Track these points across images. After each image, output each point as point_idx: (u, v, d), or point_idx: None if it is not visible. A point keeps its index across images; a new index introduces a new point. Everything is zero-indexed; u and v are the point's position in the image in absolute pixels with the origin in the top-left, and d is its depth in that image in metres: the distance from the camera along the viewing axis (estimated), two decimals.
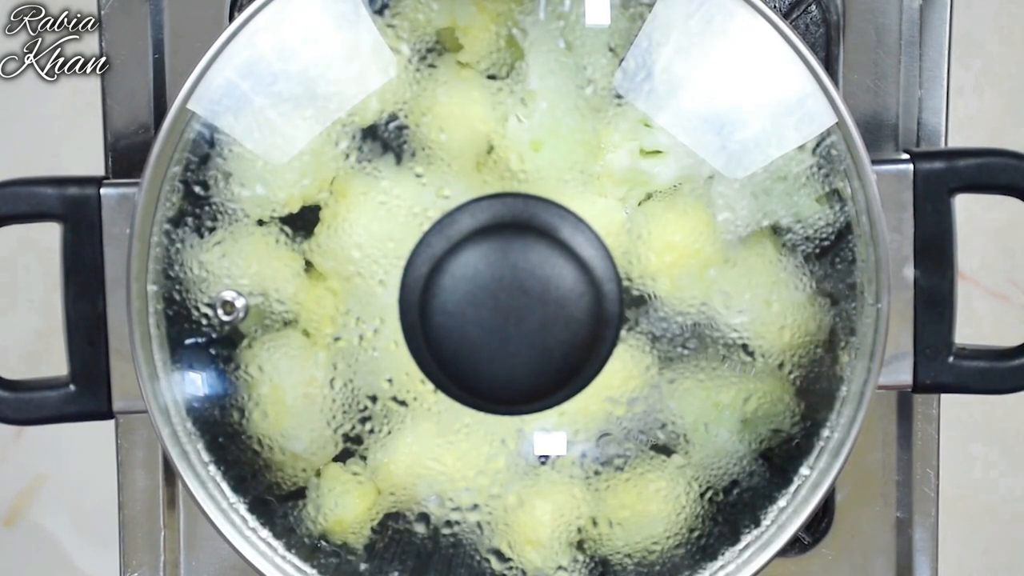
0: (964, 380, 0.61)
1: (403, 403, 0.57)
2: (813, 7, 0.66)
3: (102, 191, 0.59)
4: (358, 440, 0.58)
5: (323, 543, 0.59)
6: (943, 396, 0.65)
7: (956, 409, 0.98)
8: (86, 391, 0.60)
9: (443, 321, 0.44)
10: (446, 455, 0.58)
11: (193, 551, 0.66)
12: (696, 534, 0.59)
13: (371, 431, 0.58)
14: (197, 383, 0.58)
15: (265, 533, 0.59)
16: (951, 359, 0.60)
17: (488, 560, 0.58)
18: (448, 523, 0.58)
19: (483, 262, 0.49)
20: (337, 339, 0.57)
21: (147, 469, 0.65)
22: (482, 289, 0.49)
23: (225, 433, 0.58)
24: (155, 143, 0.57)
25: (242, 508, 0.59)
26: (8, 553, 1.02)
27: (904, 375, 0.61)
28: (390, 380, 0.57)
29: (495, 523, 0.58)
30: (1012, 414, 1.02)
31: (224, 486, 0.59)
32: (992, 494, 1.03)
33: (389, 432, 0.58)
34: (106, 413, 0.60)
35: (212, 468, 0.58)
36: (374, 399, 0.58)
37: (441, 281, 0.47)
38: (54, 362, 0.61)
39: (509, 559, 0.59)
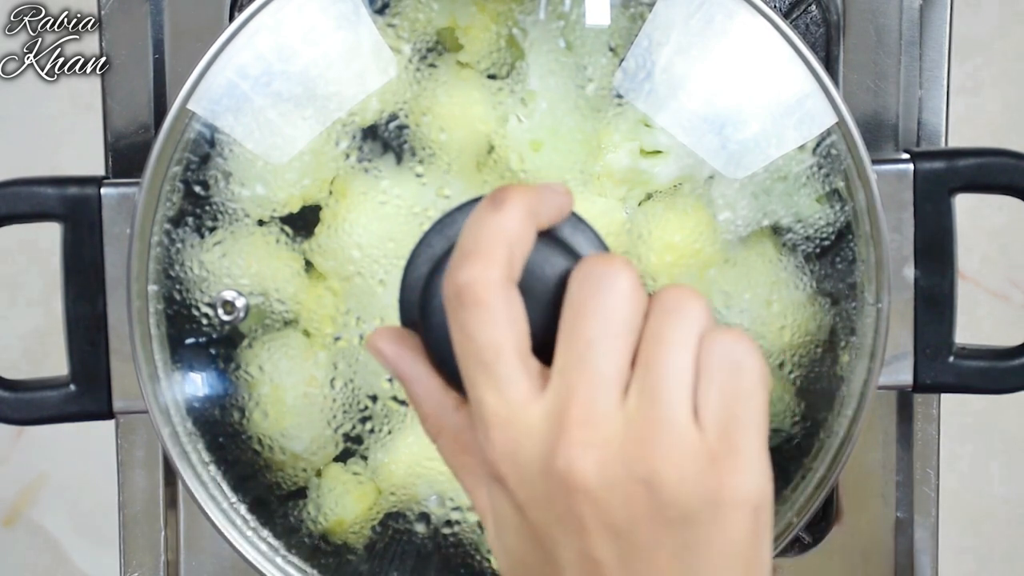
0: (964, 380, 0.61)
1: (403, 403, 0.57)
2: (813, 7, 0.66)
3: (102, 191, 0.59)
4: (358, 440, 0.58)
5: (323, 543, 0.59)
6: (943, 396, 0.65)
7: (956, 409, 0.98)
8: (86, 391, 0.60)
9: (443, 321, 0.44)
10: None
11: (193, 551, 0.66)
12: None
13: (371, 431, 0.58)
14: (197, 383, 0.58)
15: (265, 533, 0.59)
16: (951, 359, 0.60)
17: (488, 560, 0.58)
18: (448, 523, 0.58)
19: None
20: (337, 339, 0.57)
21: (147, 469, 0.65)
22: None
23: (225, 433, 0.58)
24: (155, 143, 0.57)
25: (242, 508, 0.59)
26: (8, 553, 1.02)
27: (904, 375, 0.61)
28: (390, 380, 0.57)
29: None
30: (1012, 414, 1.02)
31: (224, 486, 0.59)
32: (992, 494, 1.03)
33: (390, 432, 0.58)
34: (106, 413, 0.60)
35: (212, 468, 0.58)
36: (374, 399, 0.58)
37: (441, 281, 0.47)
38: (54, 362, 0.61)
39: None
